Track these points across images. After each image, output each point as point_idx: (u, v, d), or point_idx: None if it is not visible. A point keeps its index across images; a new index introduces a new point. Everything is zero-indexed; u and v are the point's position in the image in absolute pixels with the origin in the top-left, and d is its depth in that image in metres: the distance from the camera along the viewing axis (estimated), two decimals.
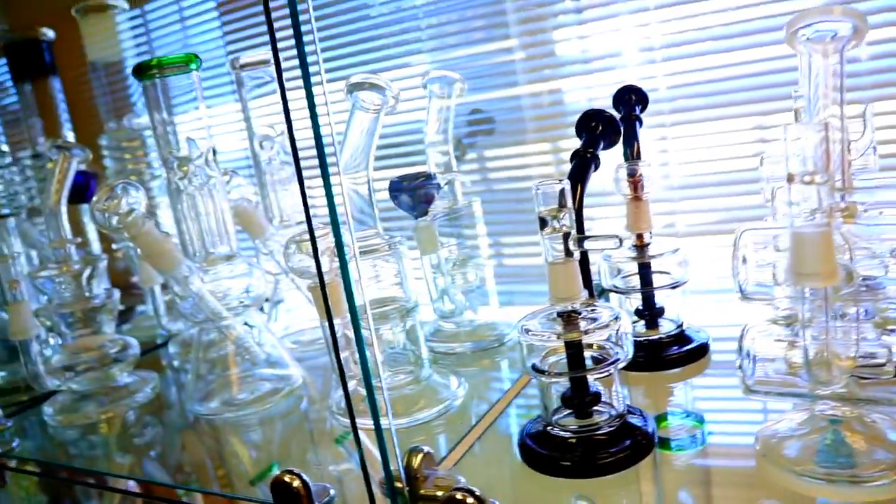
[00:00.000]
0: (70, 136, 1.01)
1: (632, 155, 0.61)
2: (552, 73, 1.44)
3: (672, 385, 0.58)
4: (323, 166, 0.40)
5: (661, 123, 0.91)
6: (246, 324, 0.80)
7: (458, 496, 0.40)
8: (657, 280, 0.62)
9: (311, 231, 0.40)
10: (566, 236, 0.47)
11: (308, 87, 0.39)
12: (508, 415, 0.57)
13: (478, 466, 0.51)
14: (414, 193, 0.63)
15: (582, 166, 0.51)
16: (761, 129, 0.85)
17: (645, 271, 0.62)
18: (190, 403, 0.66)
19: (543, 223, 0.47)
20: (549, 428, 0.49)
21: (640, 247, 0.62)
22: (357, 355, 0.57)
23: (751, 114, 0.84)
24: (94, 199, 0.55)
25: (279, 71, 0.37)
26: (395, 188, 0.64)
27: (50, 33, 0.97)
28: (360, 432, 0.45)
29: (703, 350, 0.61)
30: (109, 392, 0.71)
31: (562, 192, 0.47)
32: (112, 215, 0.55)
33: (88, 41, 0.92)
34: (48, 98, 0.98)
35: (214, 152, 0.62)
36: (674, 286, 0.62)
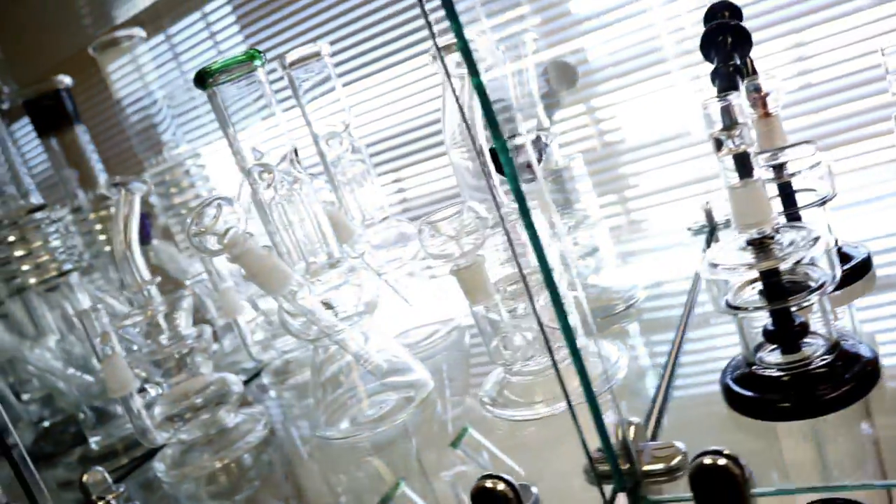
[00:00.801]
0: (105, 181, 0.95)
1: (748, 72, 0.56)
2: (571, 32, 1.39)
3: (837, 309, 0.52)
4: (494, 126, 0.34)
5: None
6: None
7: (708, 461, 0.35)
8: (801, 199, 0.57)
9: (500, 218, 0.34)
10: (745, 155, 0.41)
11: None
12: (684, 372, 0.51)
13: (681, 428, 0.45)
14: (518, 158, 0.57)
15: (730, 80, 0.45)
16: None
17: (787, 192, 0.56)
18: (317, 430, 0.60)
19: (719, 144, 0.41)
20: (753, 368, 0.43)
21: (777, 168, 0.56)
22: (503, 340, 0.52)
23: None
24: (189, 222, 0.49)
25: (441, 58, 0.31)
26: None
27: (66, 79, 0.91)
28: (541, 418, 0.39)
29: (865, 267, 0.56)
30: (219, 437, 0.65)
31: (726, 108, 0.41)
32: (209, 236, 0.49)
33: (112, 78, 0.86)
34: (77, 147, 0.93)
35: (296, 153, 0.56)
36: (822, 202, 0.56)
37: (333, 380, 0.60)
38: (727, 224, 0.75)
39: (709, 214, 0.75)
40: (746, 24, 0.52)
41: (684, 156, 1.30)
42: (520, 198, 0.35)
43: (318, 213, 0.56)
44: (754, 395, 0.43)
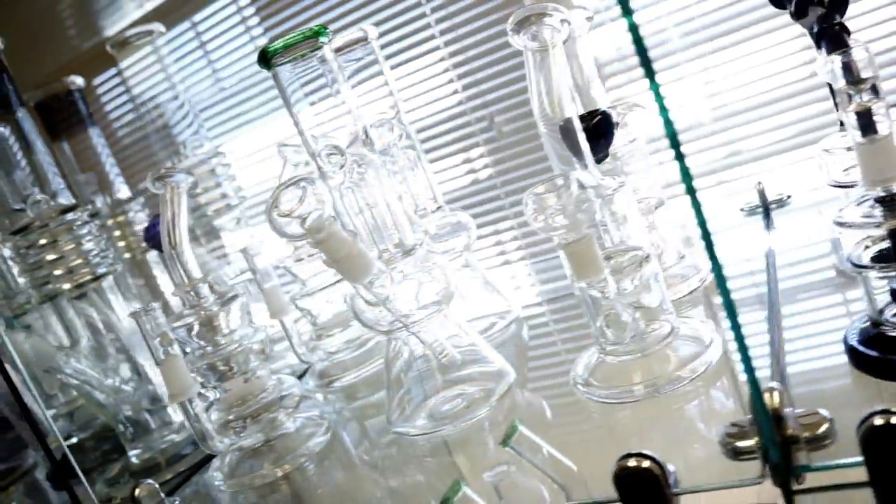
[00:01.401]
0: (123, 188, 0.91)
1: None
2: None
3: None
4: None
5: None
6: None
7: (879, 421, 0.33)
8: None
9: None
10: (870, 111, 0.40)
11: None
12: (795, 345, 0.50)
13: (810, 396, 0.43)
14: (594, 133, 0.55)
15: (838, 39, 0.44)
16: None
17: None
18: (391, 426, 0.57)
19: (846, 99, 0.40)
20: (882, 328, 0.42)
21: None
22: (608, 319, 0.49)
23: None
24: (269, 203, 0.46)
25: None
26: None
27: (79, 80, 0.87)
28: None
29: None
30: (278, 443, 0.61)
31: (848, 65, 0.40)
32: (293, 220, 0.46)
33: (131, 76, 0.83)
34: (91, 150, 0.89)
35: (367, 133, 0.53)
36: None
37: (407, 373, 0.57)
38: (780, 204, 0.74)
39: (762, 195, 0.74)
40: None
41: (700, 146, 1.30)
42: (684, 171, 0.33)
43: (392, 197, 0.54)
44: (884, 355, 0.41)
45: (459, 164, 1.54)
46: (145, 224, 0.88)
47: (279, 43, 0.52)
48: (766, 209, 0.74)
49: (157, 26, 0.83)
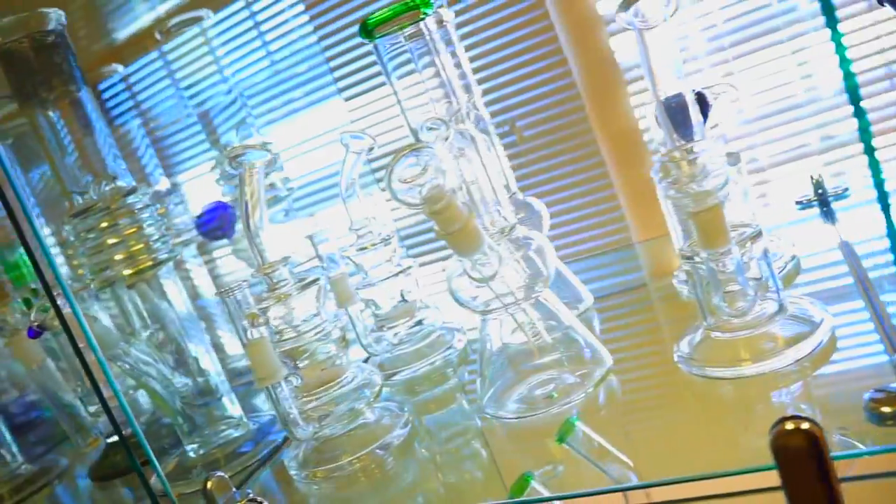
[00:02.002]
0: (162, 180, 0.88)
1: None
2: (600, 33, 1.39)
3: None
4: None
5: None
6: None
7: None
8: None
9: None
10: None
11: None
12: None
13: None
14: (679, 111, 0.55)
15: None
16: None
17: None
18: (483, 409, 0.55)
19: None
20: None
21: None
22: (728, 294, 0.48)
23: None
24: (387, 171, 0.45)
25: None
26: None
27: (120, 68, 0.84)
28: None
29: None
30: (357, 432, 0.59)
31: None
32: (415, 188, 0.45)
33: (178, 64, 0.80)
34: (127, 140, 0.86)
35: (471, 106, 0.52)
36: None
37: (502, 356, 0.55)
38: (838, 196, 0.75)
39: (819, 186, 0.75)
40: None
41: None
42: (864, 127, 0.32)
43: (492, 175, 0.52)
44: None
45: None
46: (183, 216, 0.86)
47: (381, 14, 0.51)
48: (825, 202, 0.74)
49: (206, 12, 0.81)
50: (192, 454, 0.67)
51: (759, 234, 0.49)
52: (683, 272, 0.68)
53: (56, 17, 0.62)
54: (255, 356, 0.53)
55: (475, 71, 1.43)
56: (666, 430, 0.48)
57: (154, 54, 0.85)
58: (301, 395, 0.58)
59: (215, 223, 0.73)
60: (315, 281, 0.58)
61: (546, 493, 0.47)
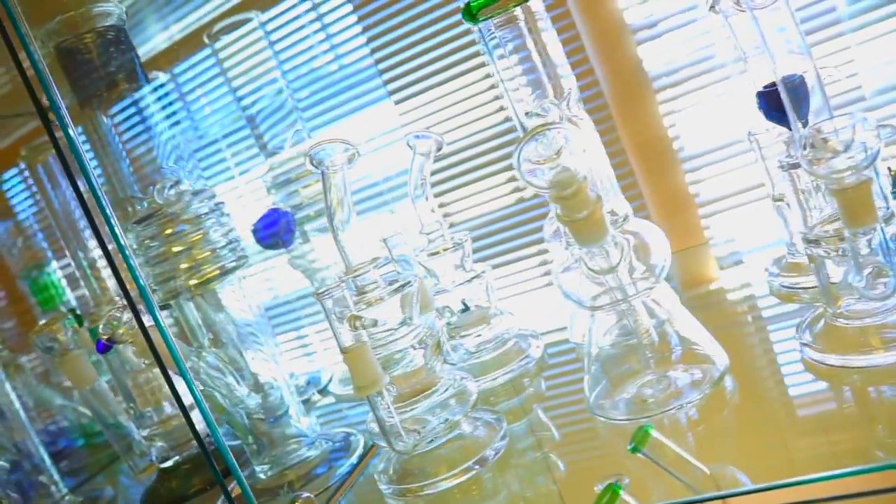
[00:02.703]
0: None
1: None
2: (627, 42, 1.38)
3: None
4: None
5: None
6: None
7: None
8: None
9: None
10: None
11: None
12: None
13: None
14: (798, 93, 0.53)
15: None
16: None
17: None
18: (591, 409, 0.52)
19: None
20: None
21: None
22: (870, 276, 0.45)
23: None
24: (517, 147, 0.41)
25: None
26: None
27: (161, 75, 0.81)
28: None
29: None
30: (451, 444, 0.55)
31: None
32: (543, 169, 0.41)
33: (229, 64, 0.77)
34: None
35: (572, 92, 0.49)
36: None
37: (613, 354, 0.52)
38: None
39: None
40: None
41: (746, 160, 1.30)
42: None
43: (603, 162, 0.49)
44: None
45: (504, 183, 1.50)
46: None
47: None
48: None
49: (256, 14, 0.78)
50: (262, 476, 0.63)
51: (892, 216, 0.46)
52: (774, 266, 0.65)
53: (118, 12, 0.59)
54: (356, 363, 0.49)
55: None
56: (789, 428, 0.46)
57: (198, 57, 0.82)
58: (395, 405, 0.54)
59: (275, 230, 0.69)
60: (407, 284, 0.54)
61: None
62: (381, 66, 0.92)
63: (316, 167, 0.56)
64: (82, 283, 0.77)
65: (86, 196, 0.46)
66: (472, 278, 0.68)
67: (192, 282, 0.60)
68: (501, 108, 1.46)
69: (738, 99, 1.33)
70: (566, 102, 0.48)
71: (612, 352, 0.53)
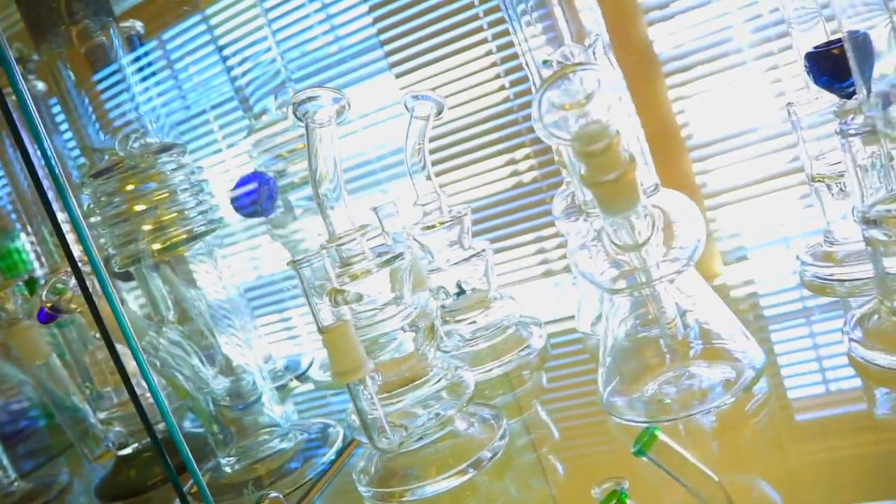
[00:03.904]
0: None
1: None
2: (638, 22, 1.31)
3: None
4: None
5: None
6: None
7: None
8: None
9: None
10: None
11: None
12: None
13: None
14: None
15: None
16: None
17: None
18: (605, 408, 0.45)
19: None
20: None
21: None
22: None
23: None
24: (543, 88, 0.34)
25: None
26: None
27: (138, 24, 0.73)
28: None
29: None
30: (443, 442, 0.48)
31: None
32: (577, 118, 0.35)
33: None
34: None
35: (603, 43, 0.43)
36: None
37: (630, 346, 0.46)
38: None
39: None
40: None
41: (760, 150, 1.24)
42: None
43: (634, 123, 0.43)
44: None
45: (503, 166, 1.43)
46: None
47: None
48: None
49: None
50: (227, 469, 0.56)
51: None
52: (808, 255, 0.59)
53: None
54: (336, 345, 0.42)
55: (504, 60, 1.35)
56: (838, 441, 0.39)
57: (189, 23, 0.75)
58: (378, 395, 0.47)
59: (255, 196, 0.62)
60: (399, 256, 0.48)
61: None
62: (383, 37, 0.86)
63: (300, 119, 0.49)
64: (39, 248, 0.70)
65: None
66: (471, 256, 0.61)
67: (156, 246, 0.53)
68: (503, 88, 1.39)
69: (753, 85, 1.26)
70: (592, 49, 0.41)
71: (629, 344, 0.46)
